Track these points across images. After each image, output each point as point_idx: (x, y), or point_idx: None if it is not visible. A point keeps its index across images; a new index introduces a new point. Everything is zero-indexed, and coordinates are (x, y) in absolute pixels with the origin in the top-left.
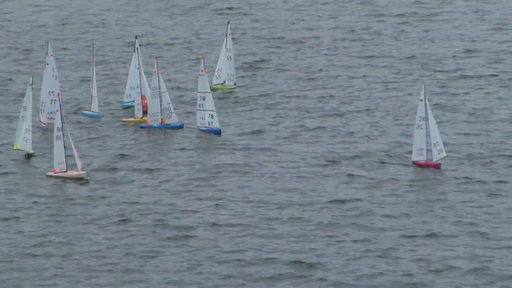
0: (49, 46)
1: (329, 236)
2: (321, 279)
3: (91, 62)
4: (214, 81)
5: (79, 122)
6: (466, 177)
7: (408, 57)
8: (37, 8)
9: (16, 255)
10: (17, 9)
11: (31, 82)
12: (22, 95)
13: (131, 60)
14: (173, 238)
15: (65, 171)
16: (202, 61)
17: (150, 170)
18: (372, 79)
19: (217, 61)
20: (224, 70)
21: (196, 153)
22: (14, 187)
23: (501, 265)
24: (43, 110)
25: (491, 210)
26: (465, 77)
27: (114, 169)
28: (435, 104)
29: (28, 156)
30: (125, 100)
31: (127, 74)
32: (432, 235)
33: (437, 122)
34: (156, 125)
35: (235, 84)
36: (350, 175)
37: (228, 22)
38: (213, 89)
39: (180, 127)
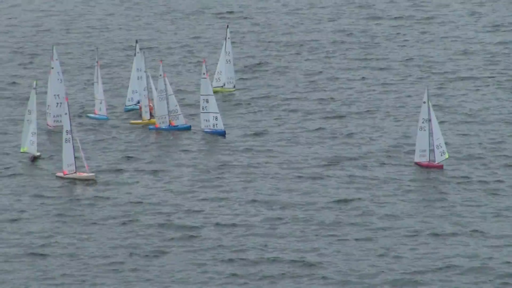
0: (54, 50)
1: (331, 236)
2: (323, 278)
3: (95, 66)
4: (214, 84)
5: (86, 125)
6: (466, 177)
7: (406, 59)
8: (42, 13)
9: (24, 255)
10: (23, 14)
11: (35, 86)
12: (28, 98)
13: (132, 64)
14: (178, 238)
15: (74, 173)
16: (203, 64)
17: (155, 171)
18: (371, 81)
19: (217, 64)
20: (224, 73)
21: (200, 154)
22: (21, 188)
23: (500, 263)
24: (49, 113)
25: (490, 209)
26: (462, 78)
27: (120, 171)
28: (433, 105)
29: (34, 158)
30: (127, 103)
31: (129, 78)
32: (433, 235)
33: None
34: (164, 127)
35: (234, 86)
36: (351, 175)
37: (228, 26)
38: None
39: (188, 128)
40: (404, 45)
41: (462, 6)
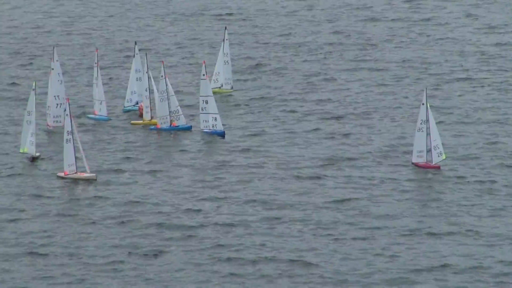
0: (55, 51)
1: (328, 235)
2: (320, 277)
3: (95, 67)
4: (212, 85)
5: (87, 125)
6: (461, 177)
7: (403, 61)
8: (43, 14)
9: (24, 254)
10: (24, 16)
11: (34, 87)
12: (27, 99)
13: (131, 65)
14: (176, 238)
15: (75, 173)
16: (203, 65)
17: (154, 171)
18: (369, 82)
19: (215, 65)
20: (222, 74)
21: (199, 155)
22: (21, 188)
23: (495, 262)
24: (49, 114)
25: (486, 209)
26: (458, 79)
27: (120, 171)
28: (430, 106)
29: (33, 159)
30: (126, 104)
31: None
32: (429, 234)
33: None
34: (165, 127)
35: (232, 87)
36: (348, 176)
37: (226, 27)
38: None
39: (189, 128)
40: (401, 47)
41: (458, 8)
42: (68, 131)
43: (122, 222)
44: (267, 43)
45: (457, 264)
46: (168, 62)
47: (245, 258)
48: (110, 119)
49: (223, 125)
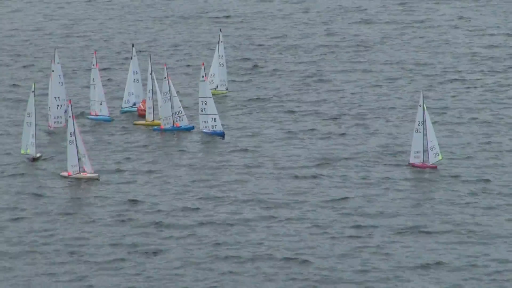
0: (56, 54)
1: (324, 234)
2: (316, 275)
3: (93, 69)
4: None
5: (89, 126)
6: (455, 176)
7: (397, 62)
8: (44, 17)
9: (26, 252)
10: (25, 19)
11: (33, 89)
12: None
13: (129, 67)
14: (175, 237)
15: (78, 173)
16: (202, 67)
17: (154, 171)
18: (363, 83)
19: (210, 67)
20: (217, 76)
21: (198, 155)
22: (23, 188)
23: (488, 260)
24: (50, 115)
25: (479, 207)
26: (451, 80)
27: (121, 170)
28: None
29: (34, 159)
30: (123, 105)
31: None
32: (423, 232)
33: None
34: (168, 127)
35: (227, 89)
36: (345, 176)
37: (220, 30)
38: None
39: (191, 129)
40: (395, 49)
41: (450, 11)
42: (71, 132)
43: (123, 221)
44: (263, 45)
45: (451, 262)
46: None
47: (243, 256)
48: (113, 120)
49: (222, 125)
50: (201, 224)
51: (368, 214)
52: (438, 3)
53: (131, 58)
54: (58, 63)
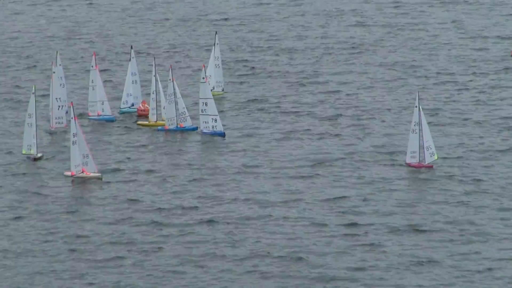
0: (58, 56)
1: (320, 232)
2: (312, 272)
3: (92, 70)
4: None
5: (91, 126)
6: (448, 176)
7: (392, 64)
8: (46, 19)
9: (27, 251)
10: (27, 21)
11: (33, 91)
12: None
13: (128, 68)
14: (174, 235)
15: (82, 173)
16: (203, 69)
17: (153, 171)
18: (359, 84)
19: (206, 68)
20: (213, 77)
21: (197, 155)
22: (25, 187)
23: (480, 258)
24: (51, 116)
25: (471, 206)
26: (444, 82)
27: (121, 170)
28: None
29: (35, 159)
30: (122, 106)
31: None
32: (417, 231)
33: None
34: (173, 128)
35: (223, 90)
36: (340, 175)
37: (216, 32)
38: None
39: (195, 129)
40: (390, 51)
41: (444, 14)
42: (73, 133)
43: (123, 219)
44: (261, 47)
45: (444, 260)
46: (166, 65)
47: (240, 255)
48: (115, 120)
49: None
50: (200, 222)
51: (363, 212)
52: (432, 6)
53: (130, 59)
54: (60, 65)
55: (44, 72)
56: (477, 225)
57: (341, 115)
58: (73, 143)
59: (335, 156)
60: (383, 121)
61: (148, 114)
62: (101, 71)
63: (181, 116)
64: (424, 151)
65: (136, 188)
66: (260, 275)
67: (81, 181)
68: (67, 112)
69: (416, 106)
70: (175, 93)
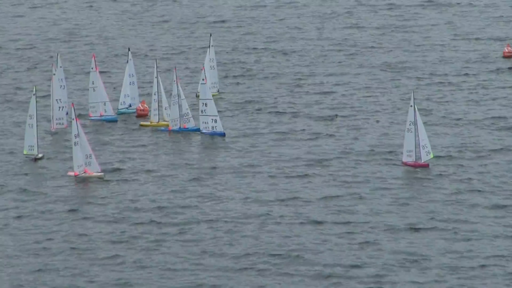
0: (59, 58)
1: (316, 230)
2: (308, 270)
3: (91, 72)
4: (199, 89)
5: (92, 126)
6: (442, 176)
7: (386, 65)
8: (47, 22)
9: (30, 249)
10: (28, 23)
11: (34, 92)
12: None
13: (125, 70)
14: (173, 233)
15: (84, 173)
16: (202, 71)
17: (153, 171)
18: (354, 85)
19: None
20: (208, 79)
21: (195, 155)
22: (26, 186)
23: (473, 256)
24: (52, 117)
25: (465, 205)
26: (438, 83)
27: (121, 170)
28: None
29: (36, 159)
30: (120, 107)
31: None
32: (411, 229)
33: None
34: (176, 129)
35: (218, 91)
36: (336, 174)
37: (211, 34)
38: (198, 96)
39: (198, 130)
40: (384, 52)
41: (437, 16)
42: (75, 134)
43: (123, 218)
44: (257, 49)
45: (437, 257)
46: (164, 66)
47: (238, 253)
48: (117, 120)
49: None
50: (199, 221)
51: (359, 211)
52: (425, 8)
53: (127, 61)
54: (60, 66)
55: (44, 73)
56: (471, 223)
57: (336, 115)
58: (75, 144)
59: (331, 156)
60: (378, 121)
61: (147, 114)
62: (100, 72)
63: (184, 117)
64: (420, 150)
65: (136, 187)
66: (257, 273)
67: (82, 181)
68: (67, 113)
69: (411, 106)
70: (179, 95)
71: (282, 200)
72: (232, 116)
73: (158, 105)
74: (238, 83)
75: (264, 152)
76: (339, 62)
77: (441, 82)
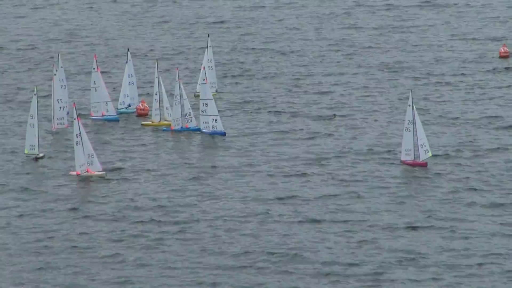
0: (59, 58)
1: (315, 229)
2: (307, 268)
3: (93, 72)
4: (198, 89)
5: (94, 126)
6: (439, 175)
7: (385, 65)
8: (48, 23)
9: (31, 247)
10: (29, 24)
11: (35, 92)
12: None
13: (124, 70)
14: (173, 232)
15: (86, 172)
16: (203, 70)
17: (153, 170)
18: (353, 85)
19: (198, 71)
20: (207, 79)
21: (195, 154)
22: (27, 185)
23: (470, 254)
24: (53, 117)
25: (462, 204)
26: (435, 83)
27: (122, 169)
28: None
29: (37, 159)
30: (119, 106)
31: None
32: (408, 228)
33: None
34: (178, 128)
35: (217, 91)
36: (334, 173)
37: (208, 35)
38: (197, 96)
39: (199, 130)
40: (382, 52)
41: (435, 16)
42: (77, 134)
43: (123, 217)
44: (256, 49)
45: (434, 256)
46: (164, 67)
47: (237, 251)
48: (119, 120)
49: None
50: (198, 219)
51: (357, 210)
52: (422, 8)
53: (127, 62)
54: (61, 67)
55: (45, 74)
56: (468, 221)
57: (335, 115)
58: (76, 143)
59: (330, 155)
60: (377, 120)
61: (147, 113)
62: (101, 72)
63: (186, 117)
64: (418, 149)
65: (137, 186)
66: (256, 271)
67: (83, 180)
68: (68, 113)
69: (409, 105)
70: (181, 94)
71: (281, 199)
72: (231, 116)
73: (160, 105)
74: (237, 83)
75: (263, 151)
76: (338, 62)
77: (438, 82)
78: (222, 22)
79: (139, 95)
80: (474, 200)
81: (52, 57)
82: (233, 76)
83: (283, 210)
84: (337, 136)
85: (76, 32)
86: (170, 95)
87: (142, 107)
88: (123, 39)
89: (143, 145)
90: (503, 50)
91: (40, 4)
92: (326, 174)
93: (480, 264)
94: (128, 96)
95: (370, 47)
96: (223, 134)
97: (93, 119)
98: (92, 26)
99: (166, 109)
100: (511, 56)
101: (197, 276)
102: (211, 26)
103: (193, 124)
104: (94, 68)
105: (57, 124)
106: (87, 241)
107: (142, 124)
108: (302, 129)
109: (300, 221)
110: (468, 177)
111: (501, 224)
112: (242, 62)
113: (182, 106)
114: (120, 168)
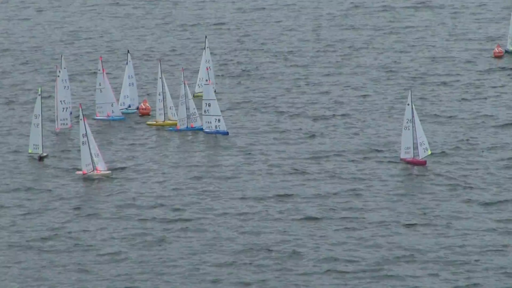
0: (63, 59)
1: (314, 227)
2: (306, 266)
3: (99, 74)
4: (197, 89)
5: (98, 126)
6: (437, 173)
7: (382, 65)
8: (51, 25)
9: (35, 245)
10: (33, 26)
11: (39, 93)
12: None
13: (125, 71)
14: (176, 229)
15: (92, 171)
16: (206, 71)
17: (156, 169)
18: (351, 85)
19: (198, 71)
20: (204, 80)
21: (197, 153)
22: (31, 184)
23: (466, 251)
24: (56, 117)
25: (459, 202)
26: (431, 83)
27: (126, 168)
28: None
29: (41, 158)
30: (119, 107)
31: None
32: (406, 225)
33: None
34: (184, 128)
35: (215, 91)
36: (333, 171)
37: (206, 36)
38: (195, 96)
39: (202, 129)
40: (379, 52)
41: (431, 17)
42: (83, 134)
43: (126, 215)
44: (255, 50)
45: (432, 252)
46: (165, 68)
47: (238, 249)
48: (125, 119)
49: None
50: (200, 218)
51: (356, 207)
52: (418, 10)
53: (127, 63)
54: (64, 68)
55: (49, 75)
56: (465, 218)
57: (334, 114)
58: (83, 143)
59: (329, 154)
60: (375, 119)
61: (149, 113)
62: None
63: (192, 117)
64: (418, 147)
65: (139, 185)
66: (256, 268)
67: (87, 179)
68: (71, 113)
69: (408, 104)
70: (186, 95)
71: (281, 197)
72: (231, 115)
73: (163, 105)
74: (236, 83)
75: (262, 150)
76: (336, 62)
77: (434, 82)
78: (222, 23)
79: (140, 96)
80: (471, 198)
81: (55, 59)
82: (232, 77)
83: (282, 208)
84: (336, 135)
85: (79, 34)
86: (171, 95)
87: (144, 106)
88: (125, 40)
89: (147, 144)
90: (497, 50)
91: (44, 7)
92: (325, 173)
93: (476, 261)
94: (128, 97)
95: (367, 47)
96: (226, 133)
97: (98, 119)
98: (94, 28)
99: (170, 108)
100: (505, 56)
101: (199, 273)
102: (211, 27)
103: (198, 123)
104: (99, 70)
105: (61, 124)
106: (91, 239)
107: (147, 124)
108: (301, 128)
109: (300, 219)
110: (464, 175)
111: (496, 221)
112: (241, 63)
113: (187, 106)
114: (123, 167)
